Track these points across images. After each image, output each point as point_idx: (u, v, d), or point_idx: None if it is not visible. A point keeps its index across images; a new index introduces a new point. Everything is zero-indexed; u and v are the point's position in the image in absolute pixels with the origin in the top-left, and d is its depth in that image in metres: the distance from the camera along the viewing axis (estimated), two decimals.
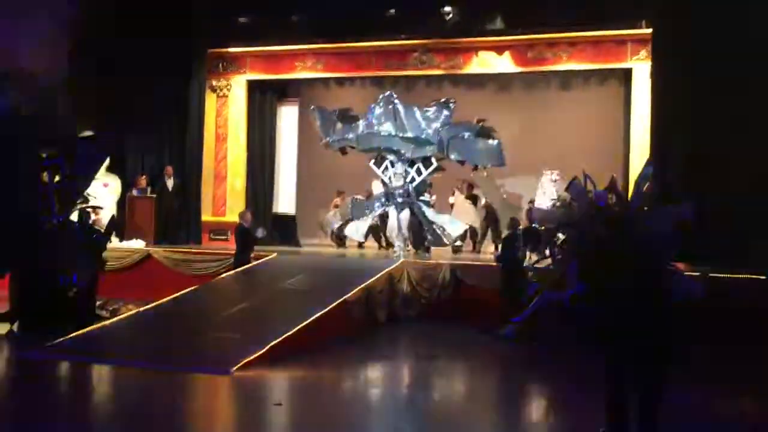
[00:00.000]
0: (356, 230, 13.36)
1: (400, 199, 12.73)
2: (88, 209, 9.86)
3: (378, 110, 12.71)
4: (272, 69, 15.83)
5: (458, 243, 13.45)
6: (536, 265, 9.89)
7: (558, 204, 10.04)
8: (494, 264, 10.37)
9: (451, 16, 13.89)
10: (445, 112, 12.68)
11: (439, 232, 12.77)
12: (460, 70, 14.81)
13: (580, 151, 13.50)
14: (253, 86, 16.01)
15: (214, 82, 15.89)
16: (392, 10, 14.15)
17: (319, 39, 15.10)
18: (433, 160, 12.84)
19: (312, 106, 13.94)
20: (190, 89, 15.12)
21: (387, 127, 12.57)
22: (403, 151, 12.66)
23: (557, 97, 15.16)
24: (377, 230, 13.96)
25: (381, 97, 12.84)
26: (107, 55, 14.61)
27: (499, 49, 14.44)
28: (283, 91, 16.71)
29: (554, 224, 10.04)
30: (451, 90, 14.66)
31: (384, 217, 13.30)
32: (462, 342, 9.43)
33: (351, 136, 12.97)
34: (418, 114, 12.63)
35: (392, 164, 12.91)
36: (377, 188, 13.67)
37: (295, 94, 16.77)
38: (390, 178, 12.87)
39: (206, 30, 15.01)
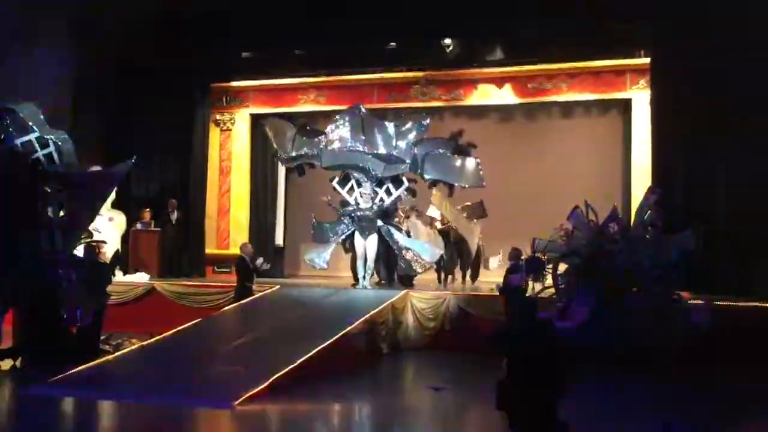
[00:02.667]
0: (318, 256, 12.05)
1: (366, 223, 11.75)
2: (93, 244, 9.89)
3: (343, 123, 11.89)
4: (275, 102, 15.98)
5: (420, 271, 12.14)
6: (540, 295, 9.98)
7: (561, 233, 10.12)
8: (497, 294, 10.33)
9: (451, 48, 14.03)
10: (420, 127, 12.01)
11: (409, 258, 11.76)
12: (462, 101, 14.94)
13: (581, 181, 13.53)
14: (256, 120, 16.14)
15: (217, 116, 16.05)
16: (393, 43, 14.32)
17: (321, 72, 15.29)
18: (404, 179, 12.02)
19: (268, 119, 13.57)
20: (194, 123, 15.25)
21: (353, 143, 11.75)
22: (372, 170, 11.79)
23: (558, 127, 15.22)
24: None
25: (347, 109, 12.24)
26: (111, 90, 14.82)
27: (499, 80, 14.59)
28: None
29: (557, 254, 10.16)
30: (452, 121, 14.72)
31: (349, 243, 12.12)
32: (466, 373, 9.36)
33: (312, 152, 12.17)
34: (389, 128, 11.89)
35: (359, 184, 11.98)
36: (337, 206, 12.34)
37: None
38: (356, 199, 11.97)
39: (210, 65, 15.18)
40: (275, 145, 12.84)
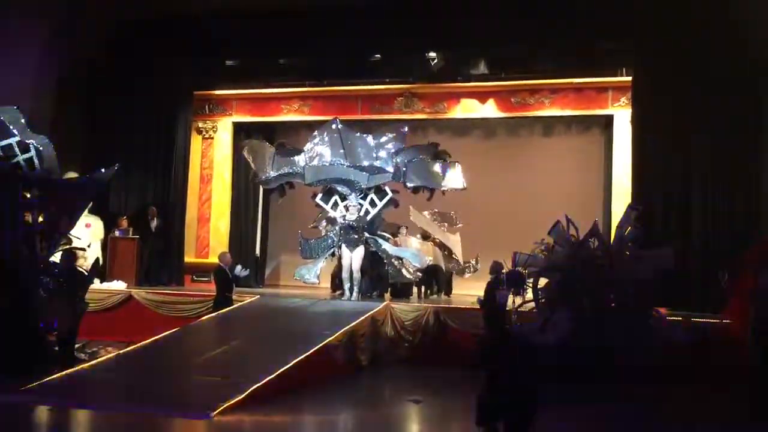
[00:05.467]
0: (308, 272, 12.25)
1: (354, 235, 11.78)
2: (75, 251, 9.77)
3: (322, 139, 11.99)
4: (258, 112, 15.96)
5: (410, 278, 12.31)
6: (520, 309, 10.01)
7: (542, 248, 10.16)
8: (478, 307, 10.34)
9: (435, 61, 14.09)
10: (399, 137, 12.15)
11: (398, 265, 11.93)
12: (445, 114, 15.01)
13: (562, 196, 13.62)
14: (238, 128, 16.10)
15: (200, 124, 15.97)
16: (377, 55, 14.36)
17: (304, 82, 15.28)
18: (387, 189, 12.18)
19: (246, 140, 13.61)
20: (176, 131, 15.13)
21: (334, 158, 11.83)
22: (357, 182, 11.92)
23: (540, 142, 15.36)
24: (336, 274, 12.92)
25: (323, 126, 12.34)
26: (93, 97, 14.72)
27: (482, 95, 14.68)
28: (269, 133, 16.83)
29: (538, 268, 10.20)
30: (435, 135, 14.80)
31: (335, 255, 12.31)
32: (445, 385, 9.34)
33: (292, 170, 12.26)
34: (369, 140, 12.03)
35: (342, 198, 12.12)
36: (323, 226, 12.69)
37: (280, 136, 16.87)
38: (341, 213, 12.01)
39: (193, 73, 15.12)
40: (254, 167, 12.88)
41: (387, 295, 12.57)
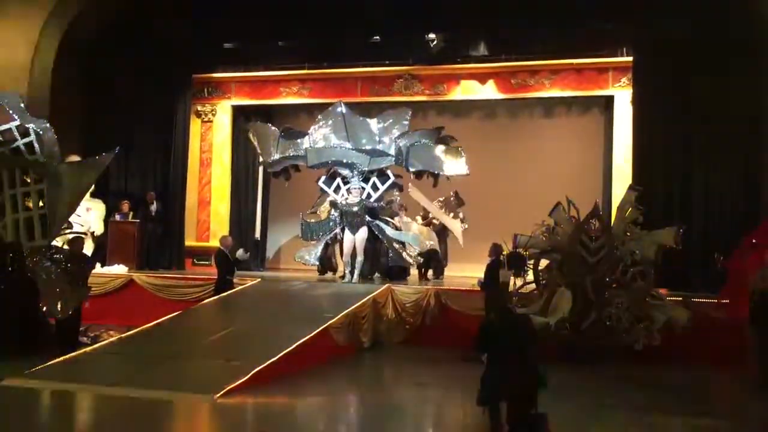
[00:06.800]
0: (308, 253, 12.37)
1: (355, 218, 11.82)
2: (80, 235, 9.77)
3: (325, 123, 12.01)
4: (257, 94, 15.88)
5: (410, 262, 12.40)
6: (520, 290, 10.04)
7: (542, 230, 10.17)
8: (478, 289, 10.36)
9: (435, 42, 14.01)
10: (403, 121, 12.14)
11: (399, 249, 12.02)
12: (445, 96, 14.93)
13: (563, 177, 13.60)
14: (238, 111, 16.03)
15: (198, 108, 15.90)
16: (377, 37, 14.28)
17: (304, 65, 15.18)
18: (389, 173, 12.19)
19: (251, 123, 13.57)
20: (175, 114, 15.10)
21: (337, 140, 11.84)
22: (358, 165, 11.92)
23: (540, 123, 15.31)
24: (327, 253, 12.93)
25: (328, 109, 12.32)
26: (92, 80, 14.65)
27: (482, 76, 14.59)
28: (268, 116, 16.75)
29: (539, 249, 10.21)
30: (435, 118, 14.76)
31: (337, 239, 12.33)
32: (446, 367, 9.39)
33: (296, 152, 12.28)
34: (372, 124, 12.05)
35: (344, 181, 12.10)
36: (326, 208, 12.72)
37: (280, 119, 16.83)
38: (343, 196, 12.00)
39: (191, 55, 15.04)
40: (258, 150, 12.91)
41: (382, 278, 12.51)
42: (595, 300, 9.34)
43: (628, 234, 9.94)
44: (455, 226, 13.28)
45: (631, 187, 10.66)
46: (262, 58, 15.36)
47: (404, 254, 12.15)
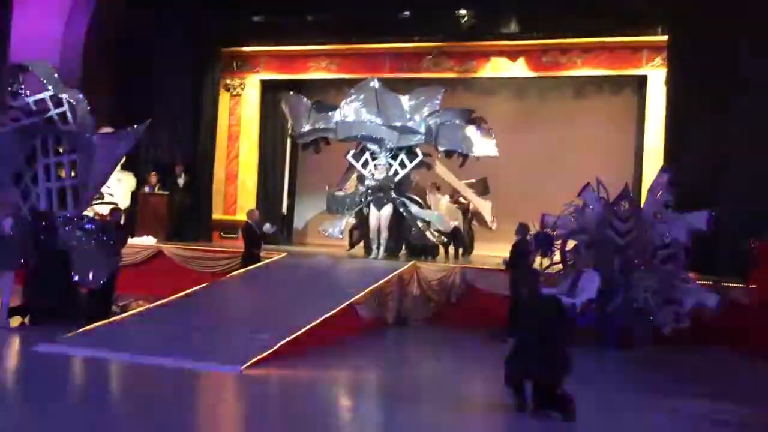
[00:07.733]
0: (332, 226, 12.25)
1: (381, 194, 11.77)
2: (113, 206, 9.87)
3: (357, 97, 11.99)
4: (286, 69, 15.85)
5: (433, 240, 12.36)
6: (547, 270, 9.98)
7: (571, 210, 10.08)
8: (504, 269, 10.30)
9: (466, 19, 13.85)
10: (435, 100, 12.05)
11: (423, 228, 11.99)
12: (474, 73, 14.79)
13: (593, 157, 13.44)
14: (266, 86, 16.03)
15: (227, 81, 15.94)
16: (407, 12, 14.14)
17: (333, 40, 15.11)
18: (418, 151, 12.13)
19: (284, 94, 13.58)
20: (204, 88, 15.17)
21: (368, 115, 11.83)
22: (386, 140, 11.89)
23: (571, 102, 15.10)
24: (354, 229, 12.97)
25: (361, 83, 12.28)
26: (122, 53, 14.73)
27: (513, 53, 14.42)
28: (296, 91, 16.71)
29: (567, 230, 10.13)
30: (464, 94, 14.63)
31: (364, 215, 12.26)
32: (472, 345, 9.39)
33: (327, 125, 12.30)
34: (404, 101, 12.00)
35: (373, 157, 12.07)
36: (353, 182, 12.69)
37: (308, 94, 16.77)
38: (371, 171, 12.01)
39: (220, 29, 15.04)
40: (290, 120, 12.95)
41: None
42: (623, 282, 9.27)
43: (659, 216, 9.82)
44: (486, 207, 13.28)
45: (663, 169, 10.50)
46: (291, 33, 15.30)
47: (428, 233, 12.14)
